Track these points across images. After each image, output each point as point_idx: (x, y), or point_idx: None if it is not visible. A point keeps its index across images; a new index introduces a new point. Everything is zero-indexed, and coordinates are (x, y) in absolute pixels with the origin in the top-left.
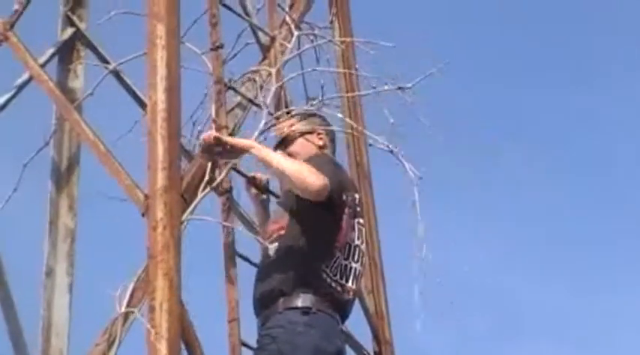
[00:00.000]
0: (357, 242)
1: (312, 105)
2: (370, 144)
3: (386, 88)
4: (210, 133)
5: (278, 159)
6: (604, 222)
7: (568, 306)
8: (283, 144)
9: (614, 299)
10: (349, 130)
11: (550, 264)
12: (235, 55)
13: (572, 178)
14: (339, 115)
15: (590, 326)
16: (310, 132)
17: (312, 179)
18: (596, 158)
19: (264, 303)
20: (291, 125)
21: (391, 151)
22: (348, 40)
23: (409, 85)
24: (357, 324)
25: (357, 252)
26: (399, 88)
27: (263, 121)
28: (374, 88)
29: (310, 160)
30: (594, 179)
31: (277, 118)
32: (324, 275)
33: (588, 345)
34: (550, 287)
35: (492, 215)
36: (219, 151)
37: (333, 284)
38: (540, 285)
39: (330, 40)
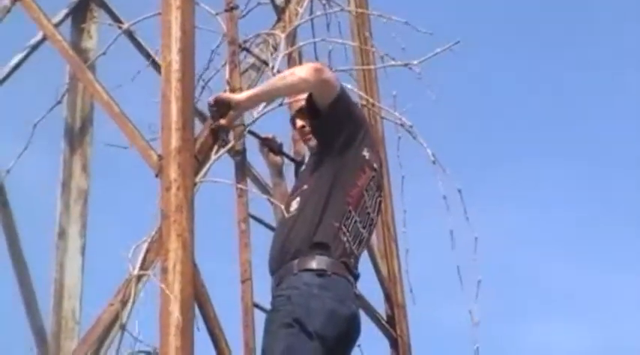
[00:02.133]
0: (373, 215)
1: None
2: (383, 117)
3: (392, 63)
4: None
5: (279, 80)
6: (623, 202)
7: (585, 286)
8: (303, 115)
9: (631, 278)
10: (363, 102)
11: (567, 243)
12: (246, 14)
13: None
14: (349, 86)
15: (604, 306)
16: None
17: (319, 65)
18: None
19: (280, 262)
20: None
21: (402, 125)
22: (361, 10)
23: (415, 61)
24: (370, 288)
25: (370, 224)
26: (406, 65)
27: None
28: (382, 58)
29: None
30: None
31: None
32: (342, 236)
33: (602, 325)
34: (566, 266)
35: (509, 191)
36: (221, 111)
37: (347, 246)
38: (557, 264)
39: (342, 9)
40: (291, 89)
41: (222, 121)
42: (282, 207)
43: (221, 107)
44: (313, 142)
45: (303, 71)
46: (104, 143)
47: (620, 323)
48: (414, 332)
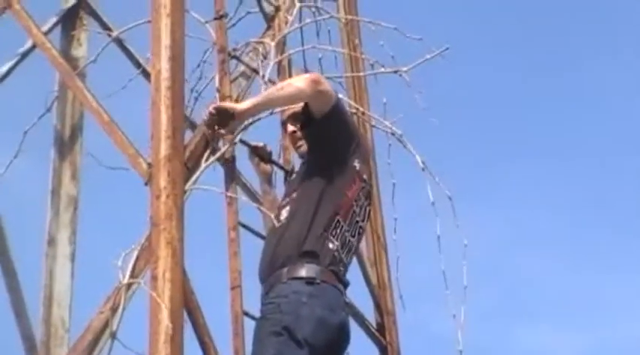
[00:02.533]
0: (362, 224)
1: None
2: (373, 125)
3: (382, 70)
4: (211, 106)
5: (277, 90)
6: (615, 204)
7: (576, 289)
8: (295, 120)
9: (623, 280)
10: (353, 110)
11: (559, 246)
12: (235, 23)
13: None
14: (340, 95)
15: (596, 309)
16: None
17: (316, 77)
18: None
19: (269, 270)
20: None
21: (393, 133)
22: (350, 17)
23: (405, 68)
24: (359, 295)
25: (359, 232)
26: (396, 71)
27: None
28: (372, 65)
29: None
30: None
31: None
32: (331, 245)
33: (593, 329)
34: (557, 269)
35: (500, 193)
36: (221, 120)
37: (336, 254)
38: (548, 266)
39: (332, 16)
40: (288, 100)
41: (223, 131)
42: (272, 215)
43: (222, 116)
44: (304, 148)
45: (300, 82)
46: (95, 158)
47: (611, 326)
48: (403, 339)
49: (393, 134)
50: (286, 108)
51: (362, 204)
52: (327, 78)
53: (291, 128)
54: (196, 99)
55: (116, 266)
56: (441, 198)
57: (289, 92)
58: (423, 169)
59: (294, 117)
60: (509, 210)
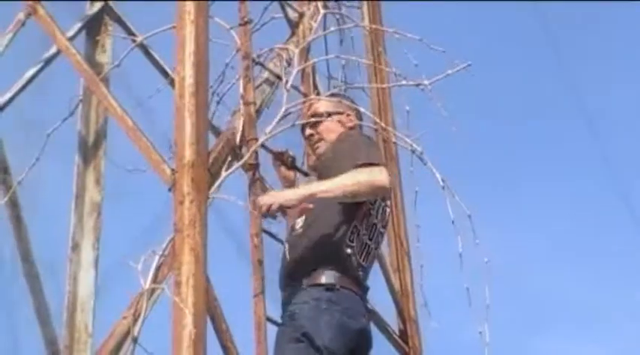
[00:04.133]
0: (380, 226)
1: (337, 88)
2: (395, 142)
3: (404, 82)
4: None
5: (331, 184)
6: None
7: (593, 298)
8: (313, 125)
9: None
10: (377, 127)
11: (575, 254)
12: (259, 28)
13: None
14: (362, 109)
15: (618, 324)
16: (340, 113)
17: (378, 176)
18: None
19: (289, 277)
20: (321, 106)
21: (413, 151)
22: (375, 27)
23: (427, 82)
24: (382, 302)
25: (377, 234)
26: (418, 85)
27: (284, 102)
28: (395, 75)
29: (348, 141)
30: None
31: (305, 103)
32: (349, 250)
33: (616, 343)
34: (574, 278)
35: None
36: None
37: (354, 259)
38: (564, 276)
39: (356, 25)
40: (345, 198)
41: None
42: (291, 223)
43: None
44: (321, 149)
45: (364, 186)
46: (121, 166)
47: (625, 336)
48: (426, 346)
49: (413, 152)
50: (305, 110)
51: (378, 204)
52: (351, 88)
53: (308, 131)
54: (218, 103)
55: (136, 270)
56: (462, 214)
57: (349, 191)
58: (443, 187)
59: (311, 121)
60: (524, 222)
